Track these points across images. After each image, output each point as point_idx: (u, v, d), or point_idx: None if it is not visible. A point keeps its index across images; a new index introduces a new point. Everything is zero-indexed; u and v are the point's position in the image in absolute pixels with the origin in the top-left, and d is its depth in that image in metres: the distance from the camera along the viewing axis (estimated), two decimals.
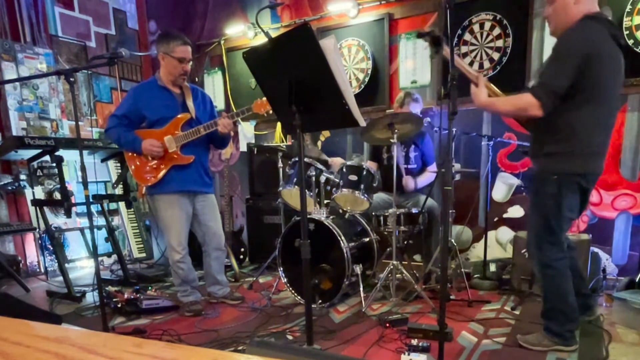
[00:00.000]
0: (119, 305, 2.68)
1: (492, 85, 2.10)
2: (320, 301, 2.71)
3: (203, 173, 2.69)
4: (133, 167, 2.60)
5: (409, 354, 1.82)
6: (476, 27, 3.26)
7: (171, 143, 2.53)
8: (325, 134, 4.07)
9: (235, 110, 2.65)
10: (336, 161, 3.40)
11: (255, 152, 4.03)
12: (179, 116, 2.56)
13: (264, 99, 2.54)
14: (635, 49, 2.75)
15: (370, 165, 3.19)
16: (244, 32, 4.23)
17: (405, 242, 2.92)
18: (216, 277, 2.86)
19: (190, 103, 2.61)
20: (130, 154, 2.59)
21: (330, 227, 2.65)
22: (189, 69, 2.55)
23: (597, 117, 1.86)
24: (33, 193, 3.66)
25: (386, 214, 2.81)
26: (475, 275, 3.14)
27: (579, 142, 1.87)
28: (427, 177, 3.11)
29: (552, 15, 1.93)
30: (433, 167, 3.18)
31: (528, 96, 1.83)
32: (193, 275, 2.73)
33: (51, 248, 3.46)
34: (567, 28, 1.84)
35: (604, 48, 1.80)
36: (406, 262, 3.04)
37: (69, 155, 3.23)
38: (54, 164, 3.03)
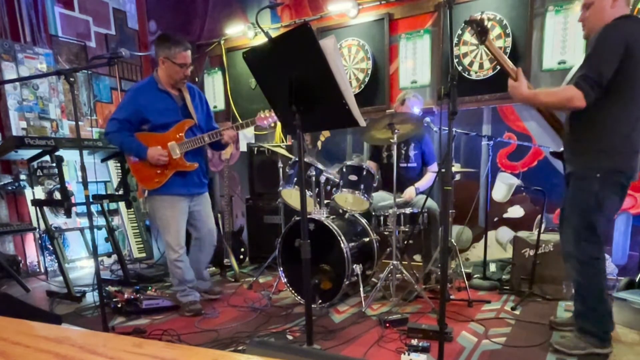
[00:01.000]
0: (119, 305, 2.68)
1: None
2: (320, 301, 2.71)
3: (201, 175, 2.73)
4: (136, 170, 2.60)
5: (409, 354, 1.82)
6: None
7: (175, 149, 2.54)
8: (325, 134, 4.07)
9: (238, 117, 2.67)
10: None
11: (255, 152, 4.03)
12: (182, 122, 2.57)
13: (267, 111, 2.57)
14: None
15: (370, 165, 3.19)
16: (244, 32, 4.23)
17: (405, 242, 2.92)
18: (202, 272, 2.91)
19: (191, 107, 2.62)
20: (133, 159, 2.59)
21: (330, 227, 2.65)
22: (189, 73, 2.57)
23: (633, 115, 1.86)
24: (33, 193, 3.66)
25: (386, 214, 2.81)
26: (475, 275, 3.14)
27: (619, 139, 1.87)
28: (428, 180, 3.10)
29: (587, 19, 1.95)
30: (434, 167, 3.18)
31: (571, 88, 1.83)
32: (191, 275, 2.74)
33: (51, 248, 3.45)
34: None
35: None
36: (406, 262, 3.04)
37: (69, 155, 3.23)
38: (54, 164, 3.03)
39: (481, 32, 2.01)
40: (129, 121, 2.52)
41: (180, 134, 2.56)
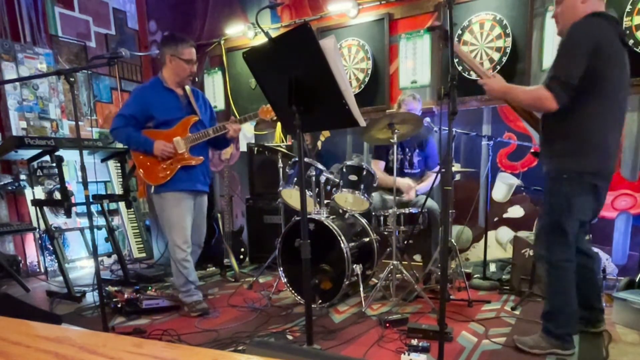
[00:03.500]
0: (119, 305, 2.68)
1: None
2: (320, 301, 2.71)
3: (205, 173, 2.74)
4: (142, 166, 2.60)
5: (409, 354, 1.82)
6: (476, 27, 3.26)
7: (180, 144, 2.56)
8: (325, 134, 4.07)
9: (236, 113, 2.69)
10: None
11: (255, 152, 4.03)
12: (187, 118, 2.60)
13: (269, 106, 2.58)
14: (635, 49, 2.75)
15: (376, 164, 3.18)
16: (244, 32, 4.23)
17: (405, 242, 2.92)
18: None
19: (195, 105, 2.66)
20: (139, 153, 2.60)
21: (330, 227, 2.65)
22: (195, 70, 2.62)
23: (605, 115, 1.85)
24: (33, 193, 3.66)
25: (386, 214, 2.81)
26: (475, 275, 3.14)
27: (588, 140, 1.85)
28: (428, 182, 3.10)
29: (559, 15, 1.93)
30: (435, 169, 3.18)
31: (541, 88, 1.82)
32: (194, 275, 2.73)
33: (51, 248, 3.45)
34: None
35: (611, 44, 1.80)
36: (406, 262, 3.04)
37: (69, 155, 3.23)
38: (54, 164, 3.03)
39: (445, 37, 2.01)
40: (135, 117, 2.55)
41: (185, 129, 2.59)
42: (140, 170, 2.61)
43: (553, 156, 1.96)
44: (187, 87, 2.68)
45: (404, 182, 3.04)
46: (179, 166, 2.58)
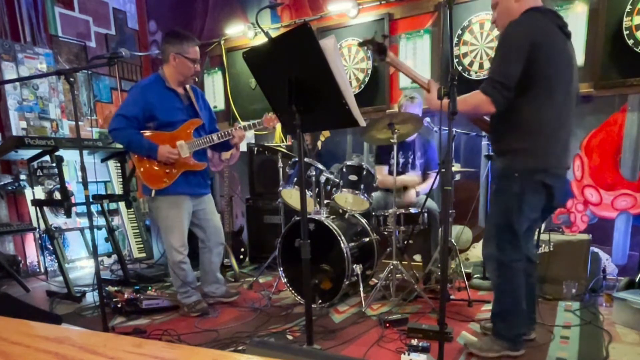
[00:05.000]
0: (119, 305, 2.67)
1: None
2: (320, 301, 2.71)
3: (205, 176, 2.72)
4: (142, 169, 2.52)
5: (409, 354, 1.82)
6: (476, 27, 3.26)
7: (184, 149, 2.51)
8: (325, 134, 4.07)
9: (238, 117, 2.68)
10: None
11: (255, 152, 4.03)
12: (190, 121, 2.56)
13: (272, 114, 2.56)
14: (635, 49, 2.75)
15: (380, 170, 3.17)
16: (244, 32, 4.23)
17: (405, 242, 2.91)
18: (216, 275, 2.85)
19: (196, 105, 2.62)
20: (140, 157, 2.52)
21: (330, 227, 2.65)
22: (199, 69, 2.57)
23: (552, 111, 1.80)
24: (33, 193, 3.66)
25: (386, 214, 2.81)
26: (475, 275, 3.14)
27: (535, 137, 1.81)
28: (428, 184, 3.10)
29: (497, 20, 1.91)
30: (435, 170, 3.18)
31: (477, 94, 1.77)
32: (192, 276, 2.71)
33: (51, 248, 3.46)
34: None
35: (551, 38, 1.75)
36: (406, 262, 3.04)
37: (69, 155, 3.23)
38: (54, 164, 3.02)
39: (379, 51, 1.98)
40: (137, 118, 2.45)
41: (189, 133, 2.55)
42: (141, 173, 2.52)
43: (503, 154, 1.92)
44: (188, 86, 2.63)
45: (407, 177, 3.04)
46: (182, 171, 2.53)
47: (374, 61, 1.87)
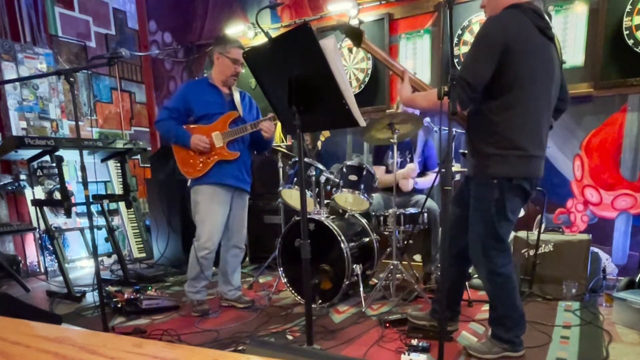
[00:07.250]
0: (119, 305, 2.67)
1: (419, 80, 2.01)
2: (320, 301, 2.71)
3: (244, 171, 2.71)
4: (181, 159, 2.63)
5: (409, 354, 1.82)
6: (476, 27, 3.26)
7: (218, 139, 2.58)
8: (325, 134, 4.07)
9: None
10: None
11: (255, 152, 4.02)
12: (228, 114, 2.62)
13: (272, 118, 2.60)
14: (635, 49, 2.75)
15: (377, 170, 3.17)
16: (244, 32, 4.22)
17: (405, 242, 2.92)
18: (229, 277, 2.80)
19: (238, 104, 2.68)
20: (179, 148, 2.61)
21: (330, 227, 2.65)
22: (240, 70, 2.67)
23: (528, 117, 1.75)
24: (33, 193, 3.66)
25: (386, 214, 2.81)
26: (475, 275, 3.13)
27: (510, 144, 1.76)
28: (429, 179, 3.10)
29: (486, 5, 1.85)
30: (434, 169, 3.18)
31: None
32: (208, 274, 2.69)
33: (51, 248, 3.45)
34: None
35: (527, 40, 1.70)
36: (406, 262, 3.04)
37: (69, 155, 3.23)
38: (54, 164, 3.02)
39: (354, 37, 1.96)
40: (178, 110, 2.59)
41: (225, 125, 2.60)
42: (178, 161, 2.63)
43: (481, 159, 1.86)
44: (234, 88, 2.71)
45: (403, 170, 3.06)
46: (216, 161, 2.58)
47: (355, 46, 1.88)
